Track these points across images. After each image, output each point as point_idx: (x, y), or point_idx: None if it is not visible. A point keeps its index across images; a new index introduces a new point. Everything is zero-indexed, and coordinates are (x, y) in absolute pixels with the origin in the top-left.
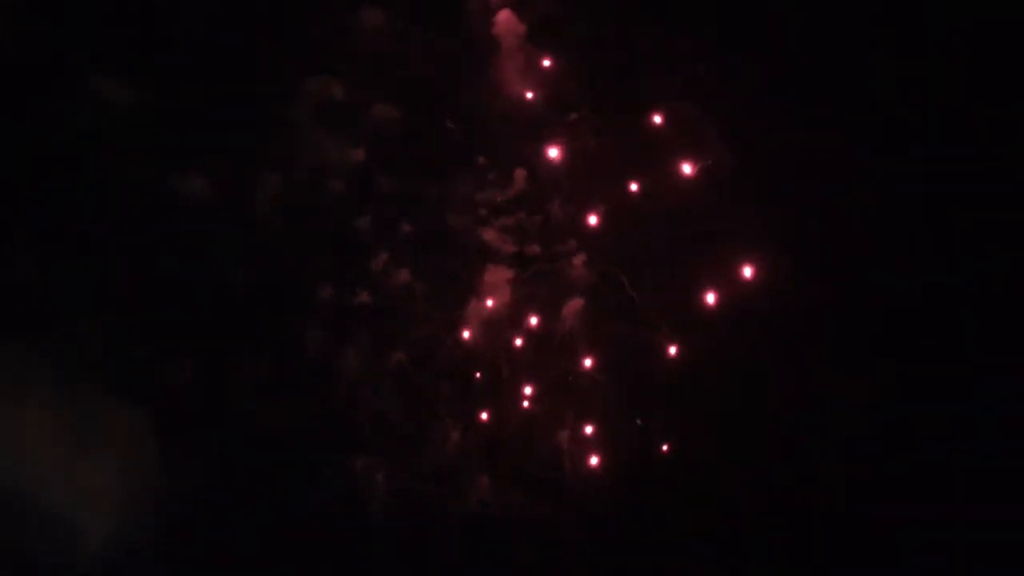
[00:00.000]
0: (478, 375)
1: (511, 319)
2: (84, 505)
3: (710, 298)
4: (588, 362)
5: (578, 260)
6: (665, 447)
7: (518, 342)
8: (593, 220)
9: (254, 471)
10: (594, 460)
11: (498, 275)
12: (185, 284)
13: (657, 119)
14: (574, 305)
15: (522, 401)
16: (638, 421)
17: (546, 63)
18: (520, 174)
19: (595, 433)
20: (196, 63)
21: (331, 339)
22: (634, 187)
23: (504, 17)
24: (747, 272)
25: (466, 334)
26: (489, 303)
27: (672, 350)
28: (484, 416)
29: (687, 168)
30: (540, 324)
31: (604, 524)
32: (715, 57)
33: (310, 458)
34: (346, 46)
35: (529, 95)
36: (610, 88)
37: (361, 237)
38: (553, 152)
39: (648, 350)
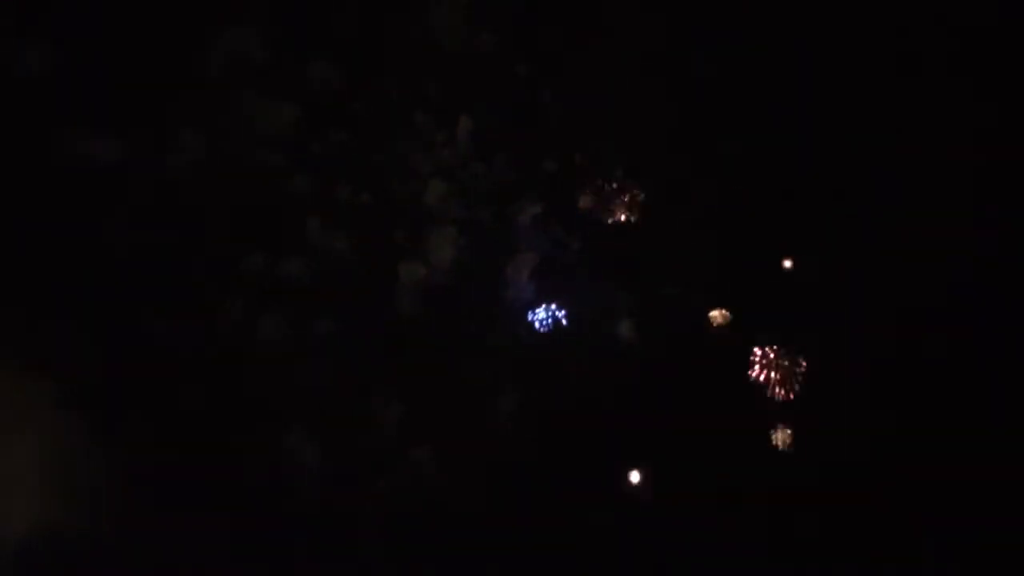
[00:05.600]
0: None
1: (457, 286)
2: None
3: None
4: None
5: (526, 218)
6: None
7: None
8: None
9: (175, 448)
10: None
11: (443, 238)
12: (101, 254)
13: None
14: (522, 265)
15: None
16: None
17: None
18: (464, 132)
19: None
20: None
21: (258, 309)
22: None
23: None
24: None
25: (410, 303)
26: (433, 268)
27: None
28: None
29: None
30: (487, 290)
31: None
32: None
33: (235, 435)
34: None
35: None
36: (557, 38)
37: (293, 202)
38: (500, 108)
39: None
